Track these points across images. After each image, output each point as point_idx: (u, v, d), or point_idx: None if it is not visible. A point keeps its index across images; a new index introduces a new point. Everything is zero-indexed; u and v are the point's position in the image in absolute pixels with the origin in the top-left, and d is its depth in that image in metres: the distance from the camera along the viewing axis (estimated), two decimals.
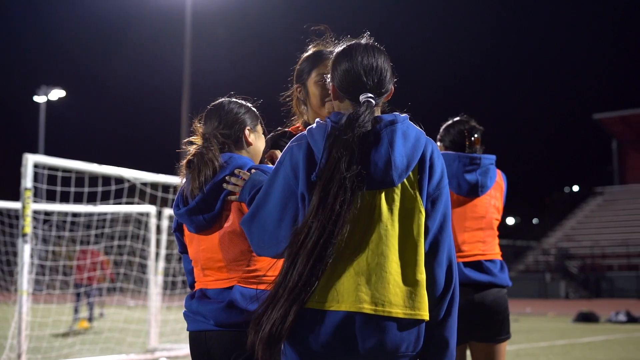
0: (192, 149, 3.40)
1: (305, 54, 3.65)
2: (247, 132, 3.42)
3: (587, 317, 21.25)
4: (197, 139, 3.45)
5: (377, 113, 2.78)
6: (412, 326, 2.65)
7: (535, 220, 76.94)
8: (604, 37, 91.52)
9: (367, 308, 2.60)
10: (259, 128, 3.50)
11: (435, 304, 2.71)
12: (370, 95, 2.75)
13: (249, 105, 3.53)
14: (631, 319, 20.54)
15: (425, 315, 2.67)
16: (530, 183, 76.85)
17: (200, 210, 3.28)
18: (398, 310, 2.63)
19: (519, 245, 54.36)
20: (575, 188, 70.66)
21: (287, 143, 3.01)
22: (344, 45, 2.88)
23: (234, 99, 3.54)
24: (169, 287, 14.50)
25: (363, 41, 2.88)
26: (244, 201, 3.12)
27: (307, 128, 2.80)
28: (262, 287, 3.05)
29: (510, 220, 77.93)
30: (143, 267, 14.22)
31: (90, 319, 18.29)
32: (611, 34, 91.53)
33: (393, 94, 2.87)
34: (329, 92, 3.05)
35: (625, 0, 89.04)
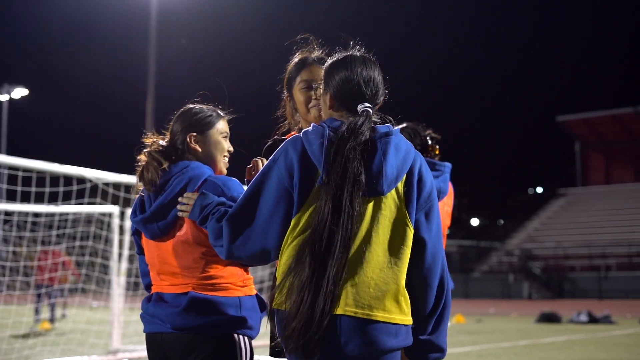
0: (142, 160, 3.50)
1: (292, 62, 3.70)
2: (190, 139, 3.49)
3: (549, 318, 21.44)
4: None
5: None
6: (392, 330, 2.73)
7: (499, 221, 77.52)
8: (567, 40, 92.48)
9: (349, 311, 2.68)
10: (212, 132, 3.53)
11: (430, 311, 2.84)
12: (368, 105, 2.85)
13: (201, 109, 3.57)
14: (592, 320, 20.77)
15: (406, 320, 2.76)
16: (495, 184, 77.41)
17: (154, 219, 3.37)
18: (378, 313, 2.71)
19: (483, 246, 54.73)
20: (539, 190, 71.22)
21: None
22: (340, 56, 2.95)
23: (190, 105, 3.60)
24: (132, 287, 14.40)
25: (357, 53, 2.97)
26: (195, 219, 3.15)
27: (303, 131, 2.87)
28: (216, 293, 3.27)
29: (475, 221, 78.40)
30: (105, 268, 14.11)
31: (52, 320, 18.11)
32: (575, 37, 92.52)
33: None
34: (314, 98, 3.30)
35: (589, 3, 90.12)
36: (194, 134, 3.50)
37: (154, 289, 3.47)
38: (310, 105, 3.57)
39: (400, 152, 2.81)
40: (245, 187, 3.09)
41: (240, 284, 3.36)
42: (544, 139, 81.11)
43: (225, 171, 3.58)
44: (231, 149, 3.60)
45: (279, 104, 3.84)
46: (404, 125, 4.96)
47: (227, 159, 3.58)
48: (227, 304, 3.30)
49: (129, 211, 13.46)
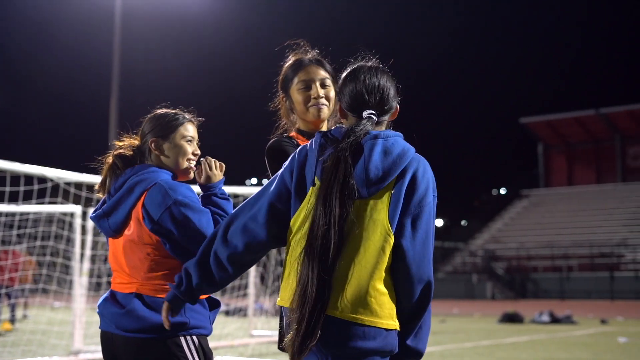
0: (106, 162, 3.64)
1: (287, 63, 3.77)
2: (151, 143, 3.58)
3: (512, 318, 21.61)
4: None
5: (382, 129, 2.98)
6: (371, 333, 2.77)
7: (463, 222, 78.00)
8: (531, 43, 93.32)
9: (334, 312, 2.76)
10: (175, 136, 3.60)
11: (411, 316, 2.86)
12: (372, 111, 2.94)
13: (165, 114, 3.64)
14: (554, 320, 20.96)
15: (384, 323, 2.78)
16: (459, 185, 77.81)
17: (105, 217, 3.52)
18: (357, 315, 2.76)
19: (447, 246, 55.02)
20: (503, 191, 71.78)
21: (291, 142, 3.55)
22: (349, 68, 3.08)
23: (157, 110, 3.68)
24: (94, 288, 14.27)
25: (369, 63, 3.08)
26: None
27: (311, 139, 3.00)
28: (159, 295, 3.35)
29: (439, 222, 78.80)
30: (67, 268, 13.97)
31: (12, 321, 17.89)
32: (538, 40, 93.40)
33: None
34: (313, 97, 3.58)
35: (554, 5, 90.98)
36: (156, 138, 3.58)
37: (111, 287, 3.56)
38: (309, 104, 3.64)
39: (391, 154, 2.84)
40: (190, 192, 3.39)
41: None
42: (507, 140, 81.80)
43: (190, 175, 3.65)
44: (197, 152, 3.64)
45: (272, 105, 3.90)
46: None
47: (192, 163, 3.62)
48: None
49: (91, 211, 13.36)
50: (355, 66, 3.06)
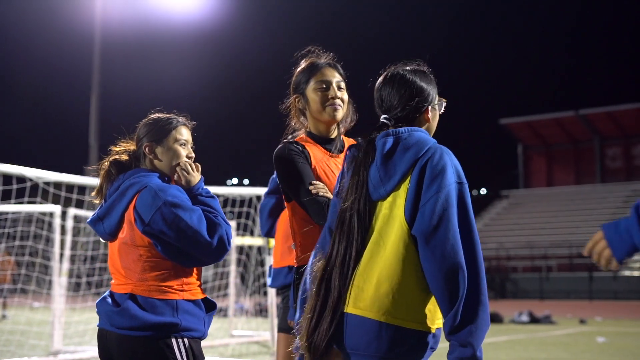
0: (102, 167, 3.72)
1: (300, 68, 3.89)
2: (145, 148, 3.65)
3: (491, 318, 21.58)
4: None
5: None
6: (386, 330, 2.80)
7: None
8: (510, 44, 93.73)
9: (354, 309, 2.85)
10: (168, 140, 3.66)
11: (445, 308, 2.80)
12: (384, 116, 3.10)
13: (158, 119, 3.71)
14: (533, 320, 21.05)
15: (401, 322, 2.81)
16: None
17: (100, 220, 3.61)
18: (370, 314, 2.82)
19: None
20: (483, 191, 72.05)
21: (297, 149, 3.68)
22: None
23: (151, 115, 3.76)
24: (73, 288, 14.21)
25: (399, 68, 3.19)
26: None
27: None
28: (152, 295, 3.43)
29: None
30: (46, 268, 13.90)
31: None
32: (517, 42, 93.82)
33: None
34: (330, 97, 3.74)
35: (534, 7, 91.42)
36: (150, 143, 3.65)
37: (110, 289, 3.65)
38: (326, 104, 3.77)
39: (403, 149, 2.93)
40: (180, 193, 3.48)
41: (177, 287, 3.48)
42: (487, 141, 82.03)
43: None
44: (192, 154, 3.70)
45: (283, 107, 4.00)
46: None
47: (190, 160, 3.68)
48: (162, 306, 3.43)
49: (70, 211, 13.31)
50: (383, 73, 3.20)
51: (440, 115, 3.23)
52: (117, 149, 3.75)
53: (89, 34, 33.05)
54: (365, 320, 2.82)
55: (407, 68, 3.16)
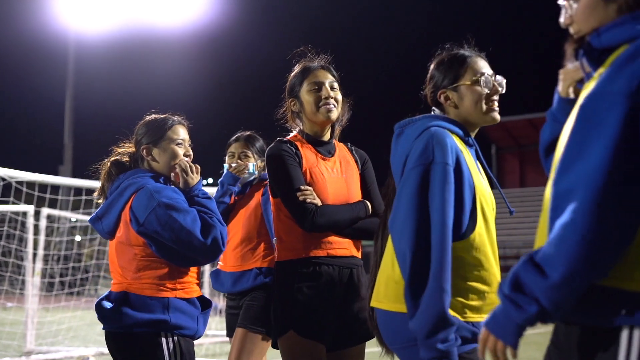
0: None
1: (293, 72, 3.97)
2: (143, 150, 3.72)
3: None
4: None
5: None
6: (391, 318, 2.87)
7: None
8: (484, 45, 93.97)
9: (374, 303, 2.97)
10: (165, 141, 3.72)
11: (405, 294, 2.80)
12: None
13: (154, 120, 3.78)
14: None
15: (394, 307, 2.86)
16: None
17: (99, 220, 3.70)
18: (378, 304, 2.93)
19: None
20: None
21: (290, 149, 3.74)
22: None
23: (147, 116, 3.83)
24: (46, 288, 14.16)
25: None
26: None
27: None
28: (144, 293, 3.51)
29: None
30: (19, 268, 13.83)
31: None
32: (491, 43, 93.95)
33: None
34: (323, 98, 3.80)
35: (508, 7, 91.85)
36: (147, 145, 3.72)
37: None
38: (320, 104, 3.84)
39: (406, 139, 2.97)
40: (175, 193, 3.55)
41: (171, 286, 3.55)
42: None
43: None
44: (189, 153, 3.77)
45: (279, 112, 4.08)
46: (247, 133, 5.01)
47: (189, 161, 3.74)
48: (153, 304, 3.50)
49: (44, 210, 13.26)
50: None
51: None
52: (119, 149, 3.84)
53: (63, 34, 32.89)
54: (378, 311, 2.95)
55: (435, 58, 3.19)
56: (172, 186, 3.66)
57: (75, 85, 32.22)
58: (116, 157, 3.80)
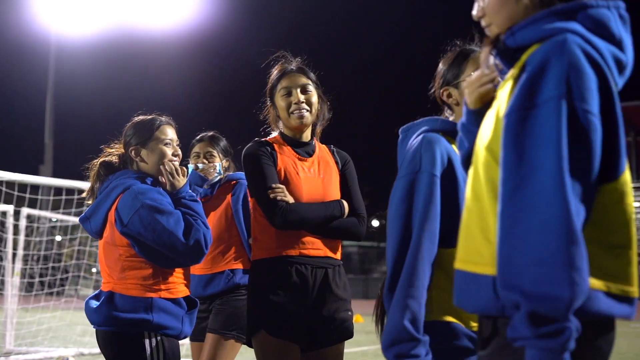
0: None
1: (273, 73, 3.99)
2: (131, 152, 3.76)
3: None
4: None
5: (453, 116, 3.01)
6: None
7: None
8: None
9: None
10: (153, 142, 3.75)
11: None
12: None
13: (141, 122, 3.82)
14: None
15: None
16: None
17: (87, 220, 3.76)
18: None
19: (383, 247, 55.38)
20: None
21: (266, 149, 3.77)
22: None
23: (134, 118, 3.86)
24: (25, 288, 14.08)
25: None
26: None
27: None
28: (128, 292, 3.56)
29: (375, 223, 79.17)
30: None
31: None
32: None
33: None
34: (294, 103, 3.80)
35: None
36: (135, 146, 3.75)
37: None
38: (290, 110, 3.85)
39: (403, 148, 2.96)
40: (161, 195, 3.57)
41: (155, 286, 3.60)
42: None
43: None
44: (178, 152, 3.81)
45: (262, 115, 4.10)
46: (211, 133, 5.00)
47: (176, 164, 3.77)
48: (136, 304, 3.55)
49: (24, 210, 13.18)
50: None
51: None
52: (110, 150, 3.87)
53: (45, 33, 32.72)
54: None
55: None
56: (159, 188, 3.70)
57: (56, 84, 32.06)
58: (105, 158, 3.82)
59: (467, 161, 2.36)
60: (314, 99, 3.89)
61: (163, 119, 3.84)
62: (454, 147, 2.82)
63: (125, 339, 3.56)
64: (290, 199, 3.71)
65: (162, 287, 3.61)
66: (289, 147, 3.90)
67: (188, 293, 3.74)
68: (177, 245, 3.50)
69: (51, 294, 14.66)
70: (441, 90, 3.01)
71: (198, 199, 3.75)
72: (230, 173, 4.91)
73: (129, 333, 3.55)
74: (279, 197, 3.68)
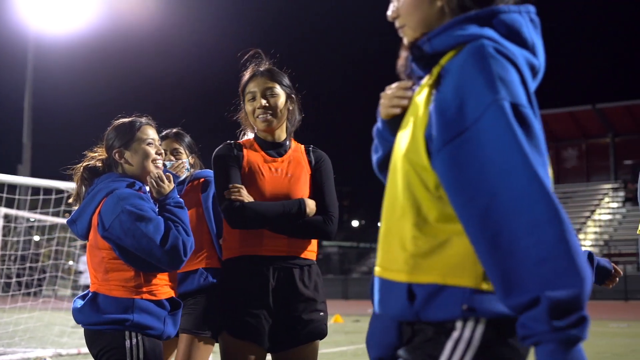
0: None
1: (244, 76, 3.98)
2: (115, 154, 3.82)
3: None
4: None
5: None
6: None
7: (379, 223, 78.89)
8: None
9: None
10: (135, 143, 3.81)
11: None
12: None
13: (121, 124, 3.87)
14: None
15: None
16: (375, 186, 78.51)
17: (74, 223, 3.83)
18: None
19: (362, 247, 55.65)
20: None
21: (232, 150, 3.82)
22: None
23: (115, 121, 3.91)
24: (2, 288, 13.99)
25: None
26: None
27: None
28: (111, 293, 3.64)
29: (355, 223, 79.53)
30: None
31: None
32: None
33: None
34: (257, 108, 3.80)
35: None
36: (119, 149, 3.81)
37: None
38: (255, 115, 3.86)
39: None
40: (143, 201, 3.60)
41: (137, 288, 3.67)
42: None
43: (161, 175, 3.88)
44: (161, 151, 3.89)
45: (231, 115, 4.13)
46: (175, 130, 4.94)
47: (159, 163, 3.86)
48: (117, 304, 3.63)
49: (1, 210, 13.10)
50: None
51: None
52: (92, 154, 3.92)
53: (23, 33, 32.54)
54: None
55: None
56: (145, 191, 3.77)
57: (34, 84, 31.89)
58: (88, 163, 3.87)
59: (380, 167, 2.37)
60: (280, 101, 3.87)
61: (143, 120, 3.89)
62: None
63: (107, 337, 3.63)
64: (249, 199, 3.73)
65: (144, 289, 3.68)
66: (258, 148, 3.92)
67: (172, 294, 3.79)
68: (155, 251, 3.56)
69: (29, 294, 14.60)
70: None
71: (184, 206, 3.80)
72: (197, 170, 4.89)
73: (110, 331, 3.62)
74: (233, 197, 3.71)
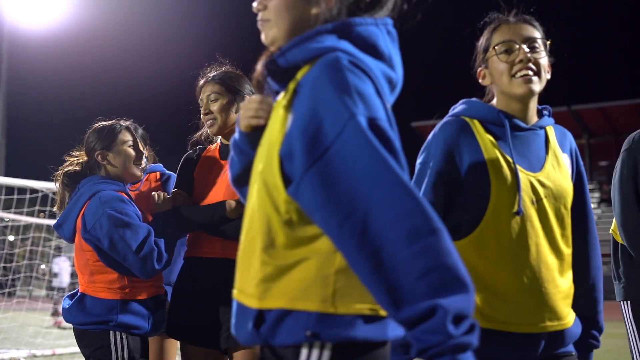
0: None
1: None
2: (97, 156, 3.86)
3: None
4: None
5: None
6: None
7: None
8: (420, 49, 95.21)
9: None
10: (117, 144, 3.89)
11: None
12: None
13: (102, 128, 3.93)
14: None
15: None
16: None
17: (60, 227, 3.89)
18: None
19: None
20: None
21: (192, 155, 3.87)
22: None
23: (95, 124, 3.96)
24: None
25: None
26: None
27: None
28: (97, 294, 3.72)
29: None
30: None
31: None
32: (427, 46, 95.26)
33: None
34: (203, 114, 3.80)
35: (451, 9, 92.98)
36: (101, 151, 3.87)
37: None
38: (205, 121, 3.85)
39: None
40: (126, 204, 3.69)
41: (122, 288, 3.74)
42: (400, 143, 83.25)
43: (142, 176, 4.02)
44: (143, 152, 3.97)
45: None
46: (128, 122, 4.91)
47: (141, 164, 3.96)
48: (102, 305, 3.72)
49: None
50: None
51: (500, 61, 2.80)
52: (71, 159, 3.96)
53: None
54: None
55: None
56: (126, 195, 3.81)
57: (9, 81, 31.66)
58: (67, 169, 3.90)
59: (238, 183, 2.29)
60: (216, 106, 3.80)
61: (122, 122, 3.97)
62: (479, 129, 2.81)
63: (94, 336, 3.72)
64: (186, 203, 3.79)
65: (129, 290, 3.75)
66: (217, 152, 3.91)
67: (157, 292, 3.86)
68: (129, 257, 3.62)
69: (2, 294, 14.48)
70: (478, 70, 2.91)
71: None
72: (152, 165, 4.82)
73: (96, 330, 3.71)
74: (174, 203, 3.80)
